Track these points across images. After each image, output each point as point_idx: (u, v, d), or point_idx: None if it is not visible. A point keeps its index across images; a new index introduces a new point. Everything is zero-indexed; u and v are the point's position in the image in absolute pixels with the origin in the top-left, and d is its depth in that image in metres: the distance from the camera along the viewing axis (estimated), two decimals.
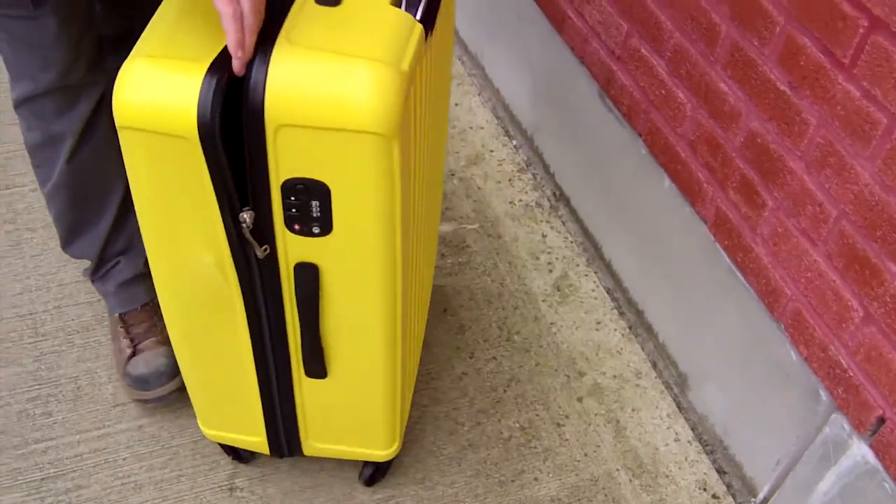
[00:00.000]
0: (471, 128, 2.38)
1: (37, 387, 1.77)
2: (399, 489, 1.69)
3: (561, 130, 2.16)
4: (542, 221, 2.17)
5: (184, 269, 1.27)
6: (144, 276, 1.76)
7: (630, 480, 1.75)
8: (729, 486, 1.77)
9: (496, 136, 2.35)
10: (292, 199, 1.16)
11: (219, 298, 1.30)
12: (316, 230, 1.20)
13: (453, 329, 1.94)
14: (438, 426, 1.78)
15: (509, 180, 2.25)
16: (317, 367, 1.39)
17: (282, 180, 1.14)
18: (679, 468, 1.78)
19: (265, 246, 1.21)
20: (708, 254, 1.72)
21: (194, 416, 1.73)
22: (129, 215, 1.72)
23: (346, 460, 1.71)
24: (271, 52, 1.08)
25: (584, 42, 1.98)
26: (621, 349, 1.95)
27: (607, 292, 2.05)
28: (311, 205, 1.17)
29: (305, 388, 1.44)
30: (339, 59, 1.08)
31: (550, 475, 1.74)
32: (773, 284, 1.58)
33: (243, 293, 1.28)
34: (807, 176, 1.45)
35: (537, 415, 1.82)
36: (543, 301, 2.01)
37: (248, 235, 1.18)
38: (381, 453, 1.58)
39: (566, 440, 1.79)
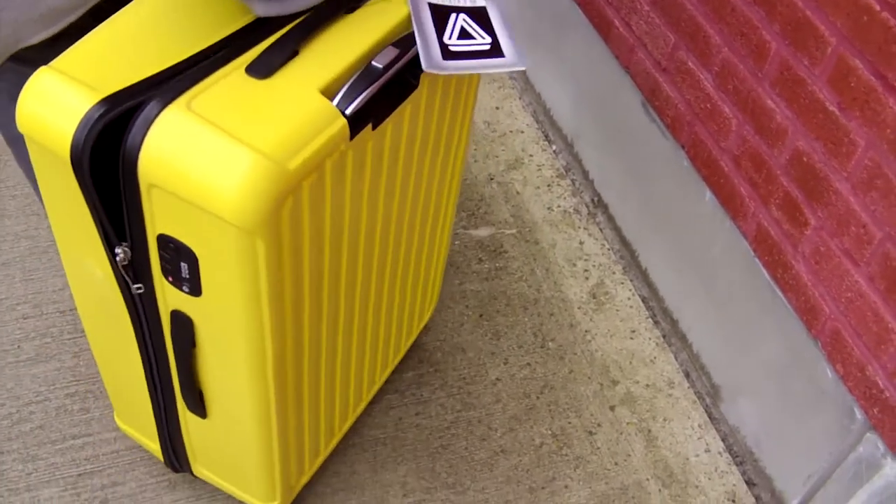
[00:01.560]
0: (511, 132, 2.38)
1: (75, 383, 1.79)
2: (430, 493, 1.70)
3: (601, 137, 2.16)
4: (579, 228, 2.18)
5: (85, 274, 1.28)
6: None
7: (660, 490, 1.76)
8: (758, 499, 1.78)
9: (536, 141, 2.36)
10: (165, 253, 1.14)
11: (112, 310, 1.30)
12: (185, 289, 1.17)
13: (488, 335, 1.95)
14: (471, 431, 1.79)
15: (548, 186, 2.25)
16: (194, 406, 1.38)
17: (157, 233, 1.12)
18: (709, 479, 1.79)
19: (139, 284, 1.20)
20: (747, 268, 1.73)
21: None
22: None
23: (380, 463, 1.72)
24: (162, 111, 1.04)
25: (629, 51, 1.98)
26: (655, 358, 1.96)
27: (643, 301, 2.05)
28: (180, 265, 1.14)
29: (190, 422, 1.43)
30: (222, 138, 1.03)
31: (581, 483, 1.75)
32: (812, 302, 1.58)
33: (130, 316, 1.29)
34: (852, 197, 1.45)
35: (569, 422, 1.83)
36: (579, 308, 2.02)
37: (121, 270, 1.18)
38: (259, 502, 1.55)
39: (597, 448, 1.80)
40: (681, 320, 1.96)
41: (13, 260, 1.96)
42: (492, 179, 2.26)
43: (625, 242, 2.12)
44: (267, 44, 1.15)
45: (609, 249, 2.14)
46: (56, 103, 1.07)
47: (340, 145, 1.12)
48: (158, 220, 1.10)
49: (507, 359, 1.92)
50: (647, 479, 1.77)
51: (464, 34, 1.20)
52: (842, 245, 1.49)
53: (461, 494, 1.71)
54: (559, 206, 2.21)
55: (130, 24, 1.15)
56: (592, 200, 2.22)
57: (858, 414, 1.53)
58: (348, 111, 1.12)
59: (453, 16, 1.20)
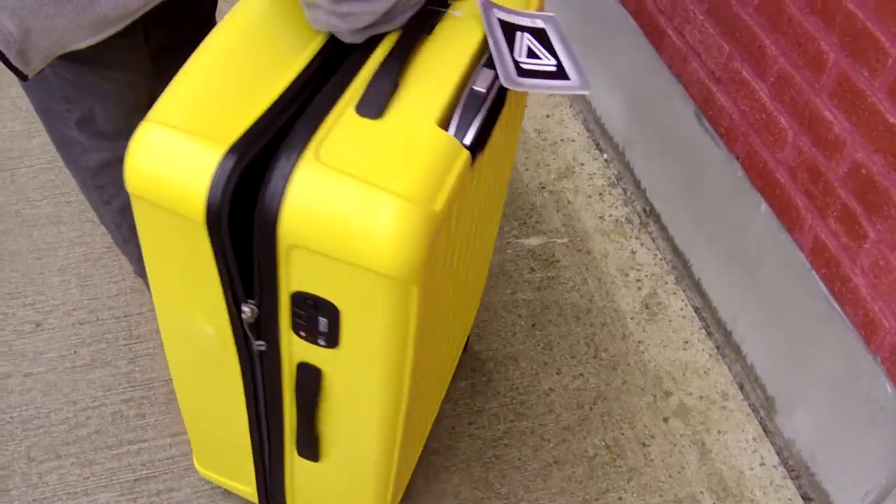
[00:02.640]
0: (562, 140, 2.38)
1: (131, 389, 1.81)
2: None
3: (653, 146, 2.15)
4: (631, 237, 2.17)
5: (188, 330, 1.24)
6: None
7: (714, 503, 1.75)
8: None
9: (587, 150, 2.35)
10: (300, 310, 1.10)
11: (219, 365, 1.27)
12: (321, 342, 1.14)
13: (541, 345, 1.94)
14: (524, 441, 1.79)
15: (600, 194, 2.25)
16: (309, 452, 1.36)
17: (292, 291, 1.08)
18: (764, 493, 1.77)
19: (262, 342, 1.17)
20: (803, 281, 1.71)
21: None
22: None
23: (434, 473, 1.73)
24: (295, 165, 1.00)
25: (682, 61, 1.97)
26: (708, 370, 1.95)
27: (695, 311, 2.04)
28: (318, 320, 1.11)
29: (296, 465, 1.41)
30: (366, 189, 0.99)
31: (634, 495, 1.74)
32: (871, 316, 1.56)
33: (242, 371, 1.26)
34: None
35: (623, 433, 1.83)
36: (632, 319, 2.01)
37: (246, 329, 1.14)
38: None
39: (651, 460, 1.79)
40: (734, 331, 1.95)
41: (69, 266, 1.98)
42: (543, 188, 2.25)
43: (677, 252, 2.11)
44: (365, 74, 1.11)
45: (661, 259, 2.13)
46: (176, 160, 1.02)
47: (465, 178, 1.09)
48: (295, 278, 1.07)
49: (559, 369, 1.91)
50: (702, 493, 1.76)
51: (531, 53, 1.19)
52: None
53: None
54: (611, 216, 2.20)
55: (214, 59, 1.12)
56: (644, 210, 2.21)
57: None
58: (467, 141, 1.09)
59: (519, 34, 1.19)
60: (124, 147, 1.50)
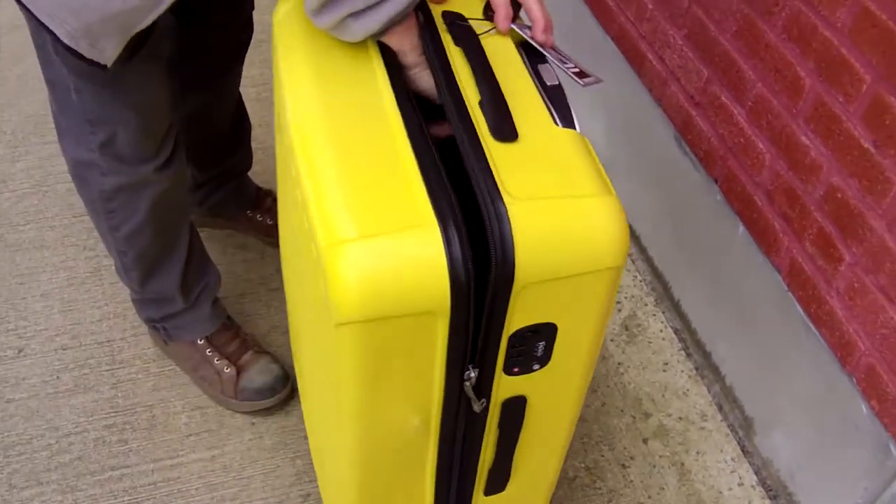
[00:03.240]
0: None
1: (113, 414, 1.82)
2: None
3: (634, 169, 2.17)
4: None
5: (380, 435, 1.20)
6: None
7: None
8: None
9: None
10: (518, 346, 1.11)
11: (410, 451, 1.24)
12: (536, 367, 1.16)
13: None
14: None
15: None
16: (500, 486, 1.36)
17: (511, 332, 1.09)
18: None
19: (483, 399, 1.15)
20: (780, 302, 1.73)
21: (265, 449, 1.78)
22: (196, 236, 1.78)
23: None
24: (505, 210, 1.00)
25: (662, 85, 1.99)
26: (687, 391, 1.96)
27: (675, 333, 2.06)
28: (537, 346, 1.13)
29: (479, 501, 1.40)
30: (569, 204, 1.04)
31: None
32: (846, 338, 1.58)
33: (440, 443, 1.23)
34: (887, 234, 1.45)
35: (602, 455, 1.84)
36: (611, 341, 2.03)
37: (470, 393, 1.13)
38: None
39: (630, 482, 1.81)
40: (714, 353, 1.97)
41: (52, 291, 1.99)
42: None
43: (657, 274, 2.13)
44: (471, 100, 1.13)
45: (641, 281, 2.15)
46: (399, 264, 0.99)
47: None
48: (517, 318, 1.07)
49: None
50: None
51: (560, 60, 1.26)
52: (877, 281, 1.49)
53: None
54: None
55: (324, 149, 1.09)
56: None
57: (894, 450, 1.52)
58: (578, 129, 1.15)
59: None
60: (141, 172, 1.55)
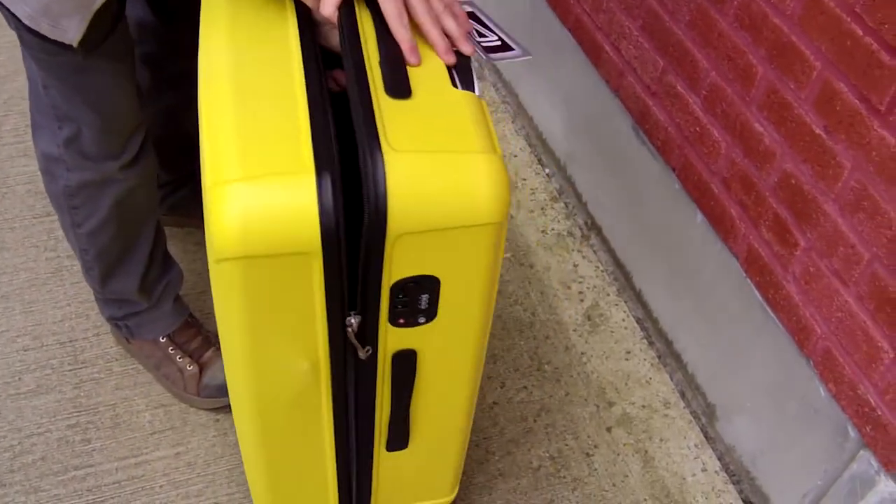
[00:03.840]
0: (504, 155, 2.40)
1: (76, 414, 1.81)
2: None
3: (594, 161, 2.19)
4: (573, 251, 2.20)
5: (271, 380, 1.23)
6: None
7: None
8: None
9: (529, 165, 2.39)
10: (400, 296, 1.14)
11: (305, 399, 1.27)
12: (421, 320, 1.18)
13: (485, 359, 1.96)
14: (469, 455, 1.81)
15: (542, 209, 2.28)
16: (401, 443, 1.39)
17: (392, 282, 1.12)
18: (706, 498, 1.80)
19: (368, 347, 1.19)
20: (739, 289, 1.75)
21: (229, 445, 1.78)
22: (161, 235, 1.78)
23: None
24: (381, 161, 1.04)
25: (619, 76, 2.01)
26: (650, 379, 1.98)
27: (637, 322, 2.07)
28: (419, 298, 1.16)
29: (382, 462, 1.43)
30: (449, 158, 1.08)
31: None
32: (803, 322, 1.60)
33: (334, 390, 1.26)
34: (840, 218, 1.47)
35: (567, 444, 1.85)
36: (574, 331, 2.04)
37: (353, 339, 1.16)
38: (444, 500, 1.60)
39: (595, 470, 1.82)
40: (675, 341, 1.98)
41: (12, 292, 1.98)
42: None
43: (619, 264, 2.14)
44: (371, 59, 1.16)
45: (603, 271, 2.16)
46: (275, 205, 1.03)
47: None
48: (396, 268, 1.10)
49: (503, 382, 1.93)
50: (645, 500, 1.79)
51: (477, 33, 1.26)
52: (831, 266, 1.51)
53: None
54: (553, 230, 2.23)
55: (224, 97, 1.12)
56: (586, 223, 2.24)
57: (852, 432, 1.54)
58: (478, 93, 1.18)
59: None
60: (105, 169, 1.55)
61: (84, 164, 1.56)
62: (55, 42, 1.32)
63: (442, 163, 1.07)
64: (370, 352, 1.19)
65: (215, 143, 1.09)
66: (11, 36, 1.39)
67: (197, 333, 1.84)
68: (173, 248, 1.87)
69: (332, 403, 1.28)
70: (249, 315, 1.13)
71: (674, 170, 1.88)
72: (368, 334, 1.17)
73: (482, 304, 1.21)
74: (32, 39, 1.33)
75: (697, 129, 1.78)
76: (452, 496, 1.61)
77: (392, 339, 1.20)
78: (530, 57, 1.29)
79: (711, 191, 1.77)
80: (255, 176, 1.04)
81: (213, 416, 1.82)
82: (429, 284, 1.14)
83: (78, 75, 1.42)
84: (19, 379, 1.84)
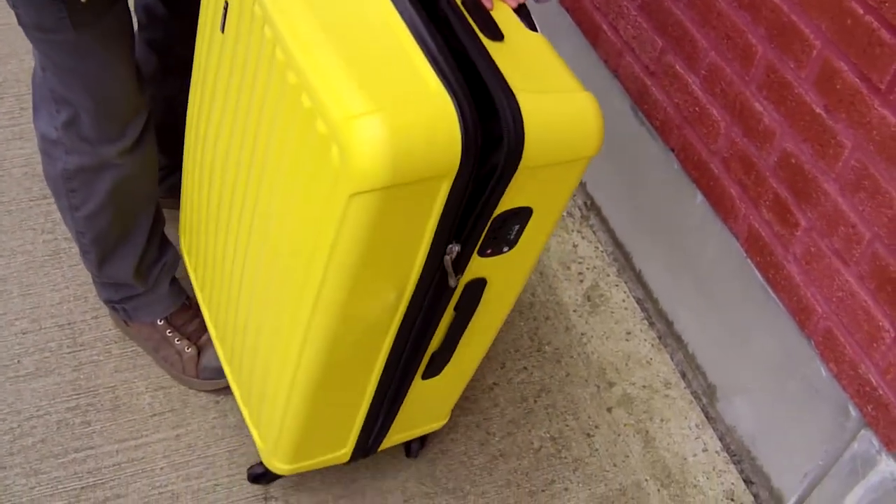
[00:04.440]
0: None
1: (76, 396, 1.80)
2: (431, 498, 1.72)
3: None
4: (573, 231, 2.19)
5: (354, 315, 1.25)
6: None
7: (658, 490, 1.78)
8: (756, 497, 1.79)
9: None
10: (498, 228, 1.22)
11: (373, 331, 1.31)
12: (505, 249, 1.26)
13: None
14: (469, 436, 1.81)
15: None
16: (437, 370, 1.46)
17: (496, 214, 1.19)
18: (707, 478, 1.81)
19: (458, 275, 1.24)
20: (739, 269, 1.74)
21: (229, 426, 1.78)
22: (159, 219, 1.78)
23: (380, 469, 1.74)
24: (515, 99, 1.10)
25: (617, 55, 2.00)
26: (651, 359, 1.98)
27: (637, 303, 2.07)
28: (512, 229, 1.23)
29: (413, 389, 1.48)
30: (562, 98, 1.17)
31: (580, 485, 1.77)
32: (804, 302, 1.60)
33: (405, 320, 1.30)
34: (840, 198, 1.47)
35: (567, 425, 1.85)
36: (574, 311, 2.04)
37: (449, 268, 1.21)
38: (437, 424, 1.68)
39: (595, 450, 1.82)
40: (676, 321, 1.98)
41: (10, 275, 1.97)
42: None
43: (618, 244, 2.14)
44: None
45: (603, 252, 2.16)
46: (422, 131, 1.06)
47: None
48: (507, 201, 1.18)
49: (503, 363, 1.93)
50: (646, 480, 1.79)
51: None
52: (832, 245, 1.51)
53: (461, 499, 1.72)
54: None
55: (329, 38, 1.14)
56: (585, 203, 2.23)
57: (853, 411, 1.54)
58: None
59: None
60: (103, 154, 1.55)
61: (82, 147, 1.56)
62: (50, 14, 1.31)
63: (559, 102, 1.16)
64: (458, 281, 1.25)
65: (327, 79, 1.09)
66: (6, 18, 1.38)
67: (195, 315, 1.84)
68: (169, 231, 1.86)
69: (396, 334, 1.32)
70: (367, 248, 1.14)
71: (673, 150, 1.87)
72: (461, 264, 1.23)
73: (549, 235, 1.31)
74: (29, 13, 1.32)
75: (697, 108, 1.77)
76: (446, 420, 1.69)
77: (472, 268, 1.27)
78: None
79: (711, 171, 1.76)
80: (389, 106, 1.05)
81: (212, 397, 1.82)
82: (524, 216, 1.22)
83: (73, 57, 1.42)
84: (18, 362, 1.84)
